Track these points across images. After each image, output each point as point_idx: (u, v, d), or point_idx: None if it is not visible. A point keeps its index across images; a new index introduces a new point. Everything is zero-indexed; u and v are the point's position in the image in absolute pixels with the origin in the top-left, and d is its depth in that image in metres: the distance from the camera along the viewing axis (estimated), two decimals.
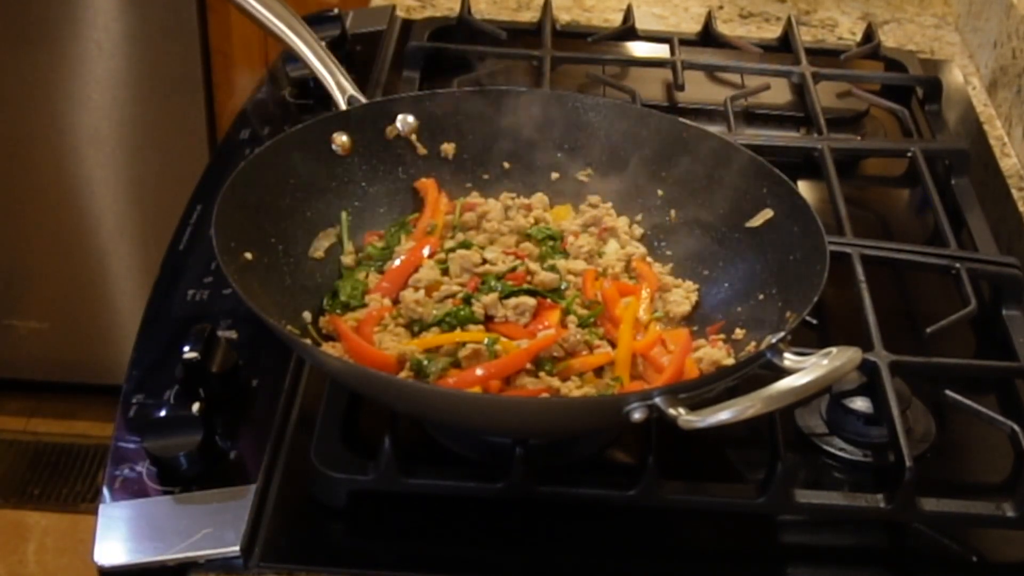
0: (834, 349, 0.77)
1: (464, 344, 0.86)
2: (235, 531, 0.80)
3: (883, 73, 1.43)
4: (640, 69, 1.40)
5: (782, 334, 0.81)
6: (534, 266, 0.94)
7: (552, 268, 0.94)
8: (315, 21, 1.25)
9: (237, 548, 0.79)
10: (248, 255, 0.89)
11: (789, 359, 0.79)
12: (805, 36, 1.45)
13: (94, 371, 2.36)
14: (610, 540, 0.84)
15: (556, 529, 0.84)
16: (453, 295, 0.91)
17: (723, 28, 1.47)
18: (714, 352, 0.89)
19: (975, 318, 1.01)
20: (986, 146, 1.33)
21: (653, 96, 1.34)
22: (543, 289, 0.92)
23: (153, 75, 2.06)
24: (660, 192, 1.02)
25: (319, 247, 0.97)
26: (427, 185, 1.03)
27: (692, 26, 1.51)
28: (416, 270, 0.94)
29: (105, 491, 0.83)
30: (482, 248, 0.97)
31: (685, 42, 1.41)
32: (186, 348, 0.88)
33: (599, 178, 1.05)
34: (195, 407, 0.86)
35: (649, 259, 1.00)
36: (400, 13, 1.50)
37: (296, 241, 0.95)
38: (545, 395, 0.84)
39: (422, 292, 0.92)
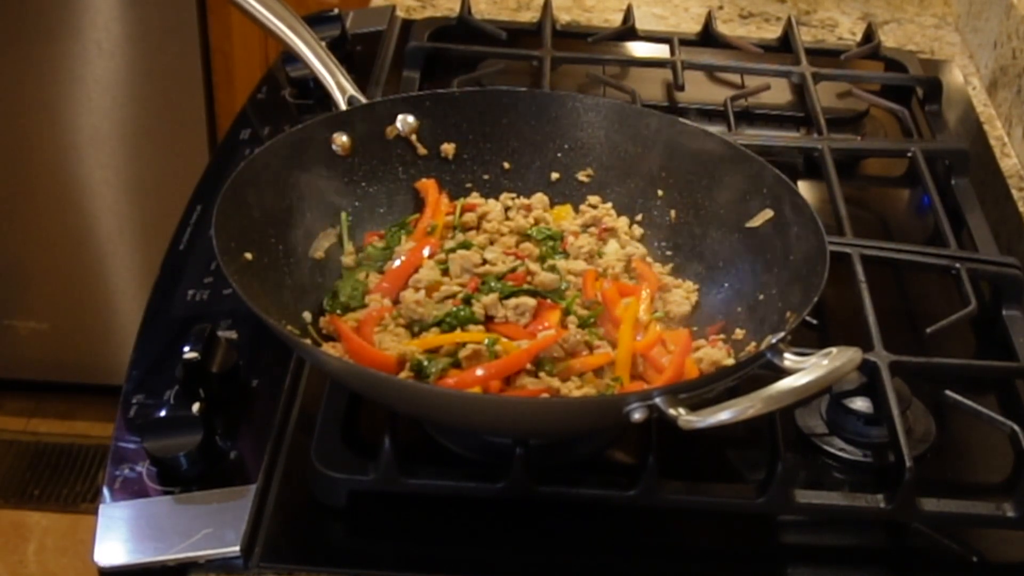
0: (834, 349, 0.77)
1: (464, 344, 0.86)
2: (235, 531, 0.80)
3: (883, 73, 1.43)
4: (640, 69, 1.40)
5: (782, 334, 0.81)
6: (534, 266, 0.94)
7: (552, 268, 0.94)
8: (315, 21, 1.25)
9: (237, 548, 0.79)
10: (248, 255, 0.89)
11: (789, 359, 0.79)
12: (805, 36, 1.45)
13: (94, 371, 2.37)
14: (610, 540, 0.84)
15: (556, 529, 0.84)
16: (453, 295, 0.91)
17: (723, 28, 1.47)
18: (714, 352, 0.89)
19: (975, 318, 1.01)
20: (986, 146, 1.33)
21: (653, 96, 1.34)
22: (543, 289, 0.92)
23: (153, 75, 2.06)
24: (660, 192, 1.02)
25: (319, 247, 0.97)
26: (427, 185, 1.03)
27: (692, 26, 1.51)
28: (416, 270, 0.94)
29: (105, 491, 0.83)
30: (482, 248, 0.97)
31: (685, 42, 1.40)
32: (186, 348, 0.88)
33: (599, 178, 1.05)
34: (195, 407, 0.86)
35: (649, 259, 1.00)
36: (400, 13, 1.50)
37: (296, 241, 0.95)
38: (545, 395, 0.84)
39: (422, 292, 0.92)
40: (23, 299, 2.33)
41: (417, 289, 0.92)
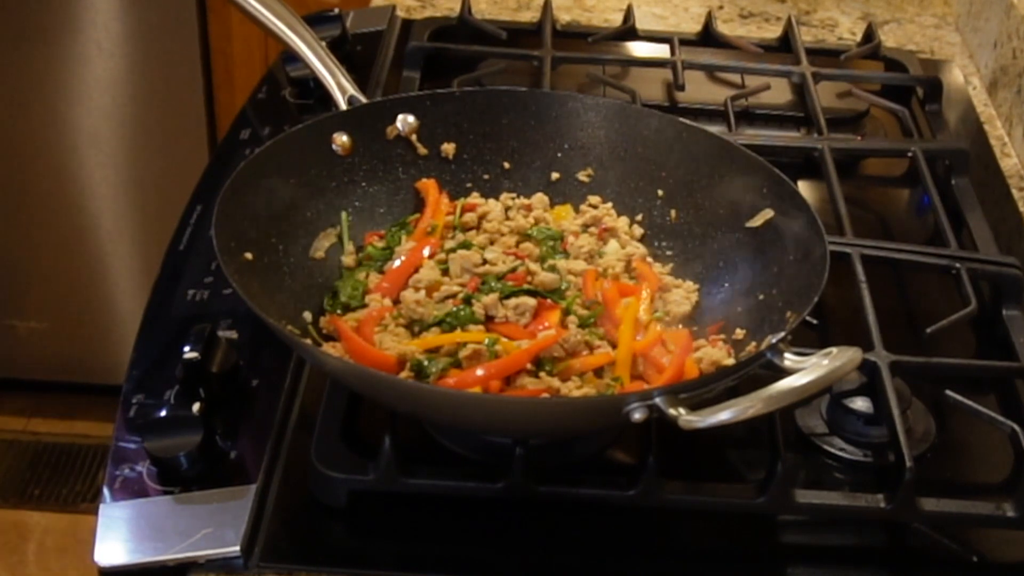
0: (834, 349, 0.77)
1: (464, 344, 0.86)
2: (235, 531, 0.80)
3: (883, 73, 1.43)
4: (640, 69, 1.40)
5: (782, 334, 0.81)
6: (534, 266, 0.94)
7: (552, 268, 0.94)
8: (315, 21, 1.25)
9: (237, 548, 0.79)
10: (248, 255, 0.89)
11: (789, 359, 0.79)
12: (805, 36, 1.45)
13: (94, 371, 2.37)
14: (610, 540, 0.84)
15: (556, 529, 0.84)
16: (453, 295, 0.91)
17: (723, 28, 1.47)
18: (714, 352, 0.89)
19: (975, 318, 1.01)
20: (986, 146, 1.33)
21: (653, 96, 1.34)
22: (543, 289, 0.92)
23: (153, 75, 2.06)
24: (660, 192, 1.02)
25: (319, 247, 0.97)
26: (428, 185, 1.03)
27: (692, 26, 1.51)
28: (416, 270, 0.94)
29: (105, 491, 0.83)
30: (482, 248, 0.97)
31: (685, 42, 1.41)
32: (186, 348, 0.88)
33: (599, 178, 1.05)
34: (195, 407, 0.86)
35: (649, 259, 1.00)
36: (400, 13, 1.50)
37: (296, 241, 0.95)
38: (545, 395, 0.84)
39: (422, 292, 0.92)
40: (23, 299, 2.33)
41: (417, 289, 0.92)
